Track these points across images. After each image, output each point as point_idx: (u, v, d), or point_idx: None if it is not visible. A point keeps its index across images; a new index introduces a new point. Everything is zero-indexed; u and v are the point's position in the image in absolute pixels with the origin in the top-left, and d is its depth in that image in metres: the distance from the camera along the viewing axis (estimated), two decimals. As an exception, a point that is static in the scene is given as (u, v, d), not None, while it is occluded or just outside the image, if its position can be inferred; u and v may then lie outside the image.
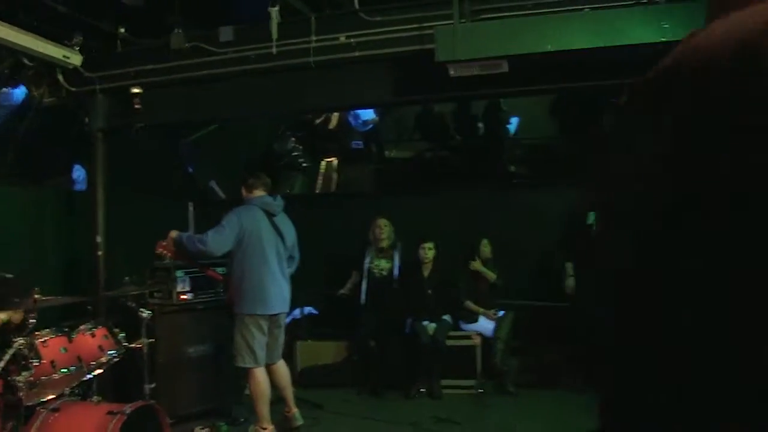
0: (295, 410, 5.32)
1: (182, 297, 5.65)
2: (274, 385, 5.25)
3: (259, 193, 5.22)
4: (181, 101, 5.60)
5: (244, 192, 5.27)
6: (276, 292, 5.10)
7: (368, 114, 8.29)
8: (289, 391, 5.33)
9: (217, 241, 4.90)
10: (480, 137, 8.02)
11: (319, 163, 9.03)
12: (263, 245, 5.05)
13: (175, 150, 7.69)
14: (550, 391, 6.22)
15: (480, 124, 8.01)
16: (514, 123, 7.97)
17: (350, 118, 8.36)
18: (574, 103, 7.23)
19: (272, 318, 5.13)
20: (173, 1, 5.29)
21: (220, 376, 5.88)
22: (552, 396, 6.10)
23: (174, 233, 5.04)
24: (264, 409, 5.06)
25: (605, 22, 4.69)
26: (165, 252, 5.14)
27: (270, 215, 5.17)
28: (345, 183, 8.90)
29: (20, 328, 3.90)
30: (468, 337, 6.51)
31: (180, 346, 5.61)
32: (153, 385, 4.80)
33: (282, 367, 5.32)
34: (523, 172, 7.90)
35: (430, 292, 6.65)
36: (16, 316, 4.28)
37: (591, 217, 6.31)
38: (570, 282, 6.47)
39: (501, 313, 6.62)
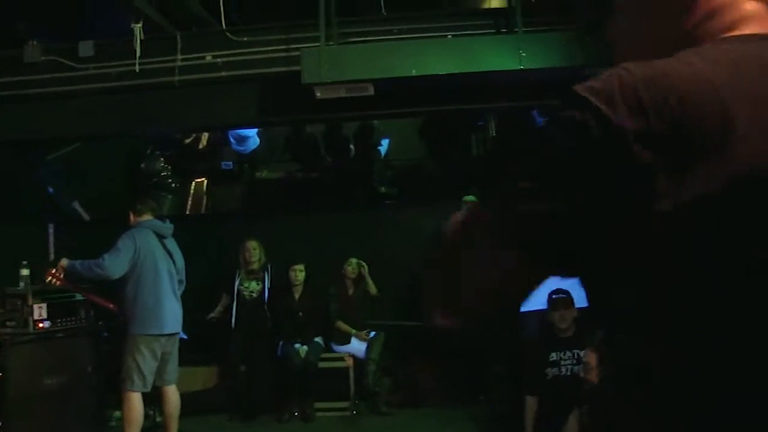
0: None
1: (40, 325, 5.32)
2: (162, 411, 5.25)
3: (147, 217, 5.23)
4: (37, 118, 5.32)
5: (132, 217, 5.23)
6: (170, 311, 5.09)
7: (251, 134, 8.20)
8: (175, 422, 5.18)
9: (115, 263, 4.88)
10: (351, 158, 8.14)
11: (189, 183, 8.83)
12: (157, 266, 5.07)
13: (33, 169, 7.28)
14: (421, 409, 6.36)
15: (351, 146, 8.13)
16: (384, 144, 8.15)
17: (231, 138, 8.22)
18: (441, 125, 7.49)
19: (166, 339, 5.06)
20: (27, 10, 5.05)
21: (81, 409, 5.57)
22: (423, 414, 6.23)
23: (65, 261, 5.01)
24: None
25: (467, 50, 4.93)
26: (54, 280, 5.04)
27: (161, 237, 5.21)
28: (215, 204, 8.75)
29: None
30: (341, 359, 6.54)
31: (35, 377, 5.25)
32: (1, 424, 4.49)
33: (174, 394, 5.21)
34: (392, 193, 8.07)
35: (301, 314, 6.62)
36: None
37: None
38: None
39: (372, 334, 6.68)
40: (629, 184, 0.78)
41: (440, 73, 4.83)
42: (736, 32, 0.93)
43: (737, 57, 0.86)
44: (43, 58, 5.08)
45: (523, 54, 4.81)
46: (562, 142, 0.82)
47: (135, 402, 4.93)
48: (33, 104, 5.27)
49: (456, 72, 4.84)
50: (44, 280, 5.12)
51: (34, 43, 5.04)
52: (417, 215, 7.12)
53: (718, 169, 0.76)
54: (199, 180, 8.87)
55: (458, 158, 7.60)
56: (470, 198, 6.50)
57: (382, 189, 8.09)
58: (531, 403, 4.74)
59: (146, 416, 5.23)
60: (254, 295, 6.71)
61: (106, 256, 4.89)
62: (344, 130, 7.95)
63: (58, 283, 5.08)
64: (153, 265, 5.05)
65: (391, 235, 7.11)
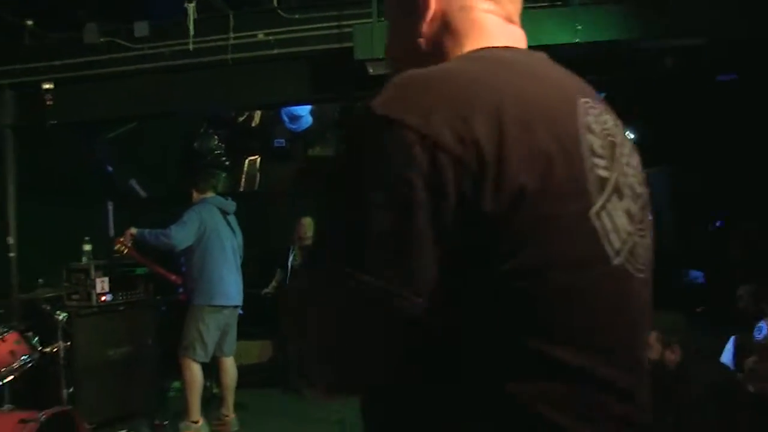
0: (232, 416, 5.34)
1: (102, 298, 5.51)
2: (219, 383, 5.49)
3: (210, 194, 5.43)
4: (95, 98, 5.46)
5: (195, 194, 5.42)
6: (234, 284, 5.31)
7: (304, 113, 8.27)
8: (231, 393, 5.38)
9: (181, 234, 5.06)
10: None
11: (243, 161, 8.95)
12: (222, 240, 5.26)
13: (92, 148, 7.49)
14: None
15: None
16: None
17: (284, 117, 8.30)
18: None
19: (229, 311, 5.26)
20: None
21: (142, 379, 5.78)
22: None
23: (133, 229, 5.20)
24: (195, 401, 5.12)
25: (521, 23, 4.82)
26: (123, 248, 5.22)
27: (224, 213, 5.40)
28: (268, 181, 8.85)
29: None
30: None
31: (99, 348, 5.47)
32: (71, 390, 4.67)
33: (231, 366, 5.41)
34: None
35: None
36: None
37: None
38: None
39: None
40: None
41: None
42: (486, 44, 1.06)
43: (504, 64, 0.99)
44: (101, 39, 5.19)
45: (579, 27, 4.68)
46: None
47: (195, 370, 5.13)
48: (92, 85, 5.41)
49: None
50: (113, 249, 5.34)
51: (93, 24, 5.15)
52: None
53: (492, 187, 0.85)
54: (252, 158, 8.98)
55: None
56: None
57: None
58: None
59: (204, 387, 5.39)
60: (308, 272, 6.80)
61: (173, 227, 5.07)
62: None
63: (126, 251, 5.25)
64: (218, 239, 5.22)
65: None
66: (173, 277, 5.61)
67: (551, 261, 0.88)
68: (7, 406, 4.36)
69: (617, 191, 0.98)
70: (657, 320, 3.50)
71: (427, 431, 0.93)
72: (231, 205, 5.49)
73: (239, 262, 5.47)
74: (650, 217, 1.10)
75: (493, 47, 1.05)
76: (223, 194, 5.68)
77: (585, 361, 0.90)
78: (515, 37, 1.11)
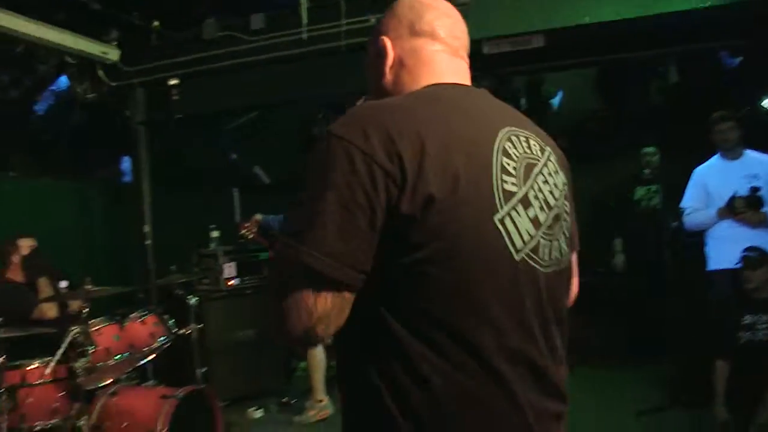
0: None
1: (229, 283, 5.76)
2: None
3: None
4: (217, 90, 5.67)
5: None
6: None
7: None
8: None
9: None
10: (522, 112, 7.89)
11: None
12: None
13: (217, 138, 7.81)
14: (583, 368, 6.11)
15: (522, 99, 7.89)
16: (557, 97, 7.83)
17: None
18: (617, 73, 7.06)
19: None
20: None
21: (270, 359, 6.01)
22: (585, 375, 5.98)
23: (258, 216, 5.37)
24: (319, 381, 5.25)
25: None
26: (248, 233, 5.38)
27: None
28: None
29: (75, 318, 4.03)
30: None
31: (229, 330, 5.73)
32: (204, 369, 4.92)
33: None
34: (566, 147, 7.73)
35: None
36: (74, 305, 4.48)
37: (638, 193, 6.18)
38: (619, 258, 6.34)
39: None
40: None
41: (616, 18, 4.51)
42: (437, 82, 1.37)
43: (436, 100, 1.28)
44: (220, 33, 5.35)
45: (708, -10, 4.37)
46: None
47: (319, 351, 5.24)
48: (213, 78, 5.62)
49: (634, 16, 4.50)
50: (239, 235, 5.48)
51: (211, 20, 5.33)
52: (591, 169, 6.83)
53: (410, 194, 1.14)
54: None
55: (636, 108, 7.12)
56: (650, 150, 6.14)
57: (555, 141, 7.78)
58: (722, 367, 4.41)
59: (329, 368, 5.51)
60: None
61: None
62: (514, 82, 7.71)
63: (251, 236, 5.40)
64: None
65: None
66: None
67: (456, 252, 1.16)
68: (150, 382, 4.68)
69: (524, 202, 1.25)
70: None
71: (361, 366, 1.24)
72: None
73: None
74: (566, 224, 1.37)
75: (437, 84, 1.36)
76: None
77: (482, 327, 1.19)
78: (460, 71, 1.45)
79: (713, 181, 4.96)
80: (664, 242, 5.20)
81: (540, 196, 1.29)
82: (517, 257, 1.22)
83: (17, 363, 3.87)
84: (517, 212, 1.23)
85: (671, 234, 5.26)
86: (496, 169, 1.23)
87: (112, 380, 4.25)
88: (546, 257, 1.29)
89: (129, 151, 6.39)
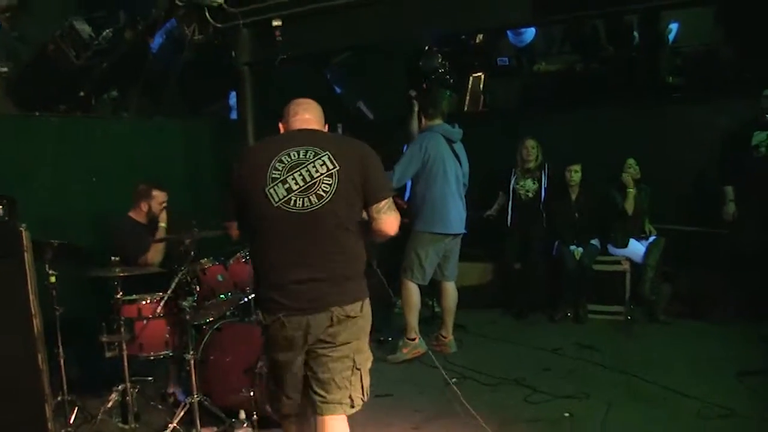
0: (451, 338, 5.55)
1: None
2: (440, 305, 5.69)
3: (438, 122, 5.45)
4: (319, 31, 5.64)
5: (424, 121, 5.51)
6: (455, 213, 5.39)
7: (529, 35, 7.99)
8: (450, 316, 5.58)
9: (400, 176, 5.24)
10: (635, 47, 7.46)
11: (467, 79, 8.84)
12: (446, 169, 5.32)
13: (322, 73, 7.85)
14: (702, 322, 5.93)
15: (635, 33, 7.44)
16: (673, 29, 7.32)
17: (508, 30, 8.07)
18: (740, 4, 6.48)
19: (450, 239, 5.39)
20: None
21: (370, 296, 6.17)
22: (704, 327, 5.81)
23: None
24: (413, 319, 5.39)
25: None
26: None
27: (450, 142, 5.42)
28: (492, 100, 8.68)
29: (183, 259, 4.28)
30: (617, 263, 6.31)
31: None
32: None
33: (451, 289, 5.59)
34: (681, 85, 7.26)
35: (577, 215, 6.46)
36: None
37: (756, 137, 5.76)
38: (730, 207, 5.99)
39: (652, 238, 6.32)
40: None
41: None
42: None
43: (278, 137, 2.95)
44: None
45: None
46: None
47: (412, 290, 5.37)
48: (316, 18, 5.58)
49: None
50: None
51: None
52: (707, 110, 6.41)
53: (237, 183, 2.81)
54: (476, 75, 8.83)
55: (760, 44, 6.53)
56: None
57: (669, 79, 7.32)
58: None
59: (426, 305, 5.62)
60: (530, 194, 6.68)
61: (396, 167, 5.20)
62: (628, 15, 7.26)
63: None
64: (442, 168, 5.27)
65: (677, 132, 6.51)
66: (399, 202, 5.81)
67: (251, 212, 2.76)
68: (253, 317, 4.92)
69: (282, 182, 2.68)
70: None
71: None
72: (457, 133, 5.47)
73: (463, 190, 5.49)
74: (324, 186, 2.68)
75: (284, 131, 2.99)
76: (450, 120, 5.60)
77: (272, 258, 2.77)
78: (303, 124, 2.93)
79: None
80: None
81: (298, 177, 2.69)
82: (274, 206, 2.68)
83: (133, 297, 4.19)
84: (276, 186, 2.69)
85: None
86: (270, 167, 2.70)
87: (217, 317, 4.54)
88: (299, 205, 2.68)
89: (235, 88, 6.54)
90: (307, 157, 2.69)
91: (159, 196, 4.90)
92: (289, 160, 2.69)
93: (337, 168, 2.69)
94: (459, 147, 5.50)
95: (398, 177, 5.19)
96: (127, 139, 5.85)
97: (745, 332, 5.51)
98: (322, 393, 2.77)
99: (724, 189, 6.04)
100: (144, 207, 4.90)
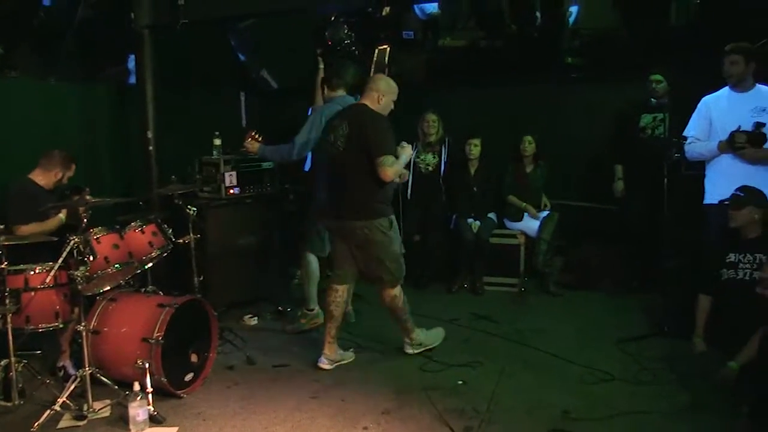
0: (350, 308, 5.60)
1: (230, 192, 5.84)
2: None
3: (340, 92, 5.33)
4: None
5: (326, 91, 5.38)
6: None
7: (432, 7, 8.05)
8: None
9: (301, 148, 5.14)
10: (537, 26, 7.66)
11: (372, 51, 8.84)
12: None
13: (225, 40, 7.67)
14: (590, 292, 6.28)
15: (537, 14, 7.63)
16: (573, 12, 7.56)
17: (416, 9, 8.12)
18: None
19: None
20: None
21: (267, 267, 6.19)
22: (592, 298, 6.15)
23: (256, 146, 5.34)
24: (312, 290, 5.43)
25: None
26: (248, 149, 5.41)
27: None
28: (398, 72, 8.73)
29: (75, 227, 4.14)
30: (513, 236, 6.55)
31: (229, 238, 5.87)
32: (201, 278, 5.07)
33: None
34: (580, 64, 7.54)
35: (475, 189, 6.65)
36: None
37: (644, 119, 6.07)
38: (619, 185, 6.32)
39: (546, 212, 6.60)
40: None
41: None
42: None
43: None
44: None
45: None
46: None
47: (312, 262, 5.40)
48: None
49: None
50: (239, 149, 5.53)
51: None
52: (603, 91, 6.70)
53: None
54: (382, 47, 8.84)
55: (655, 28, 6.85)
56: (657, 77, 5.99)
57: (569, 60, 7.58)
58: (704, 302, 4.52)
59: (324, 277, 5.64)
60: (430, 168, 6.79)
61: (296, 140, 5.13)
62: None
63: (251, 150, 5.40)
64: None
65: (574, 112, 6.80)
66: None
67: (320, 147, 4.90)
68: (150, 287, 4.84)
69: (334, 134, 4.43)
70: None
71: None
72: None
73: None
74: (344, 140, 4.36)
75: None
76: (354, 91, 5.56)
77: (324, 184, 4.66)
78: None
79: (719, 112, 4.86)
80: (663, 173, 5.14)
81: (338, 135, 4.36)
82: (333, 144, 4.40)
83: (20, 267, 4.02)
84: (332, 137, 4.42)
85: (671, 165, 5.20)
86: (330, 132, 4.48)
87: (111, 287, 4.43)
88: (340, 146, 4.35)
89: (135, 52, 6.29)
90: (340, 125, 4.43)
91: (73, 170, 4.88)
92: (334, 125, 4.55)
93: (347, 130, 4.36)
94: None
95: (298, 148, 5.14)
96: (15, 101, 5.52)
97: (627, 303, 5.88)
98: None
99: (614, 167, 6.35)
100: (57, 175, 4.80)
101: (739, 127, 4.64)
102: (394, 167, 4.21)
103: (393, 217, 4.56)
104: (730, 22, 5.92)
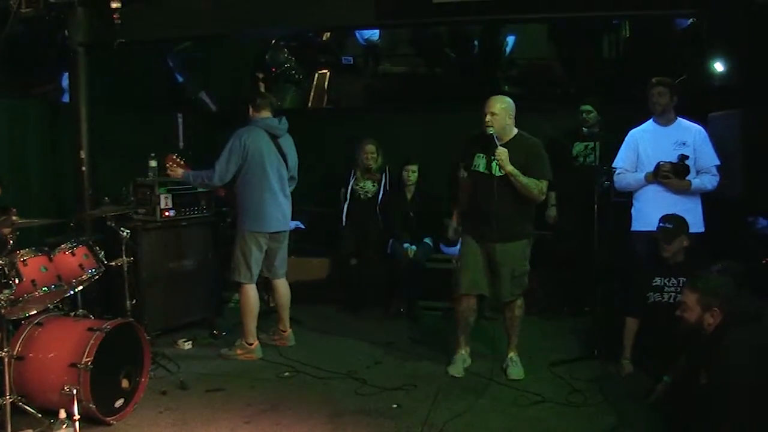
0: (289, 331, 5.57)
1: (165, 214, 5.75)
2: (274, 302, 5.65)
3: (265, 114, 5.30)
4: (161, 17, 5.47)
5: (250, 111, 5.33)
6: (275, 211, 5.28)
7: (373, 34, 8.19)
8: (285, 311, 5.58)
9: (222, 173, 5.10)
10: (475, 55, 7.87)
11: (312, 75, 8.92)
12: (265, 166, 5.19)
13: (163, 60, 7.59)
14: (525, 316, 6.36)
15: (475, 42, 7.85)
16: (510, 42, 7.81)
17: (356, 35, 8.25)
18: (572, 25, 7.04)
19: (272, 235, 5.32)
20: None
21: (202, 291, 6.10)
22: (526, 321, 6.22)
23: (180, 172, 5.22)
24: (251, 324, 5.30)
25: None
26: (171, 175, 5.31)
27: (274, 137, 5.30)
28: (337, 97, 8.82)
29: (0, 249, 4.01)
30: (449, 261, 6.61)
31: (163, 261, 5.78)
32: (134, 302, 4.97)
33: (282, 286, 5.56)
34: (517, 93, 7.76)
35: (411, 214, 6.72)
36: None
37: (576, 148, 6.27)
38: (552, 211, 6.48)
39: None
40: None
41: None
42: None
43: None
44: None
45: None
46: None
47: (249, 294, 5.29)
48: (158, 4, 5.42)
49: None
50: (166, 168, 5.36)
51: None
52: (538, 118, 6.88)
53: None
54: (321, 71, 8.93)
55: (587, 60, 7.14)
56: (587, 107, 6.21)
57: (506, 88, 7.78)
58: (631, 324, 4.69)
59: (262, 300, 5.59)
60: (369, 195, 6.82)
61: (217, 165, 5.08)
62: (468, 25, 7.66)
63: (172, 174, 5.29)
64: (260, 165, 5.16)
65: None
66: (221, 193, 5.74)
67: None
68: (80, 311, 4.71)
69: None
70: (703, 282, 3.37)
71: None
72: (281, 128, 5.33)
73: (291, 184, 5.47)
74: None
75: None
76: (292, 114, 5.54)
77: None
78: None
79: (645, 145, 5.10)
80: (594, 200, 5.32)
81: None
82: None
83: (-63, 290, 3.85)
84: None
85: (601, 193, 5.39)
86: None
87: (38, 311, 4.29)
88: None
89: (68, 70, 6.16)
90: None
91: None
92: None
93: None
94: (285, 141, 5.38)
95: (219, 174, 5.08)
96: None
97: (560, 326, 6.04)
98: None
99: (548, 194, 6.51)
100: None
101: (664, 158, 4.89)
102: None
103: None
104: (656, 57, 6.22)
